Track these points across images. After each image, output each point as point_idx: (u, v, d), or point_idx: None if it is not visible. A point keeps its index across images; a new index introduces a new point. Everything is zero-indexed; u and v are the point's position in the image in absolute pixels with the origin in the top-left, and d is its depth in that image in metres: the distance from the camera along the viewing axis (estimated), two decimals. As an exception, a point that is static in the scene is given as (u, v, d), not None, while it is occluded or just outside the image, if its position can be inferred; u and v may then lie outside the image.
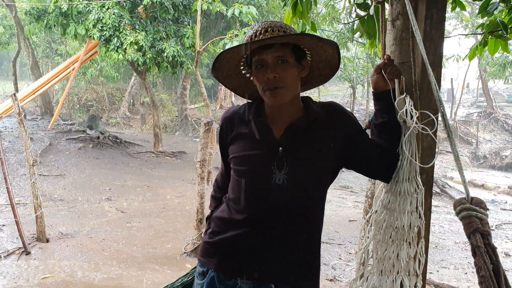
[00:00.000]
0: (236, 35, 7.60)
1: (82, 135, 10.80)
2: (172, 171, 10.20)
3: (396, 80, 1.54)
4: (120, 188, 8.04)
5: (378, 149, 1.53)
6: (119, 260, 4.70)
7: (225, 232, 1.58)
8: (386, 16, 1.74)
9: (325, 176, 1.54)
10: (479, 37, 3.00)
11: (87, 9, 8.81)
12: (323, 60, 1.53)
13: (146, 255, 4.90)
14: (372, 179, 4.74)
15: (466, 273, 5.34)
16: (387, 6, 1.76)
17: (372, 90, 1.63)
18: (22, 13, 12.49)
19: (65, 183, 7.99)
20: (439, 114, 1.27)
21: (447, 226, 7.54)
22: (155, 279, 4.27)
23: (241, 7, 7.09)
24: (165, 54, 8.92)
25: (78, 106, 20.73)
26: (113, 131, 14.34)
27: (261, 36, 1.44)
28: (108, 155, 10.26)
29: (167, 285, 2.09)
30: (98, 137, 10.75)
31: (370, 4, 2.78)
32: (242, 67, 1.57)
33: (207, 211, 5.21)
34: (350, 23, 3.55)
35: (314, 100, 1.61)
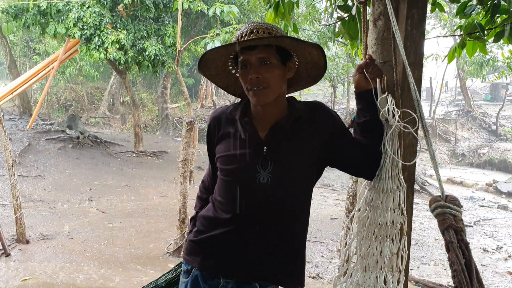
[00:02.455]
0: (218, 34, 7.60)
1: (62, 135, 10.64)
2: (153, 171, 10.14)
3: (377, 80, 1.56)
4: (101, 188, 7.96)
5: (361, 147, 1.56)
6: (101, 261, 4.66)
7: (210, 230, 1.59)
8: (368, 17, 1.77)
9: (309, 174, 1.56)
10: (457, 38, 3.06)
11: (67, 7, 8.67)
12: (309, 61, 1.55)
13: (128, 256, 4.87)
14: (355, 177, 4.81)
15: (446, 269, 5.44)
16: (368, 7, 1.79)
17: (354, 89, 1.65)
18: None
19: (45, 184, 7.86)
20: (417, 115, 1.30)
21: (427, 223, 7.68)
22: (138, 280, 4.25)
23: (223, 6, 7.08)
24: (147, 53, 8.85)
25: (57, 105, 20.41)
26: (93, 131, 14.16)
27: (246, 37, 1.46)
28: (88, 155, 10.13)
29: (151, 282, 2.10)
30: (78, 137, 10.60)
31: (351, 6, 2.82)
32: (230, 67, 1.58)
33: (190, 211, 5.20)
34: (332, 25, 3.57)
35: (297, 99, 1.63)
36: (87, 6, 8.58)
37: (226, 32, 7.36)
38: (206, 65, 1.57)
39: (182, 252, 1.74)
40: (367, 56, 1.62)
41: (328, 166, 1.64)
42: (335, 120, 1.57)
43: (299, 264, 1.59)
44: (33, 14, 9.07)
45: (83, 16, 8.53)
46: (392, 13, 1.43)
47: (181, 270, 1.95)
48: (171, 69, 9.77)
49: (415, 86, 1.32)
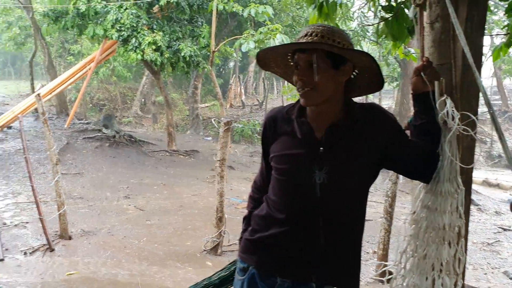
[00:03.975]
0: (252, 35, 7.66)
1: (98, 134, 10.92)
2: (186, 169, 10.27)
3: (436, 82, 1.56)
4: (137, 186, 8.13)
5: (418, 150, 1.56)
6: (141, 257, 4.76)
7: (266, 230, 1.62)
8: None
9: (365, 176, 1.57)
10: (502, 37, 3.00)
11: (105, 9, 8.89)
12: (364, 66, 1.55)
13: (167, 253, 4.96)
14: (394, 179, 4.77)
15: (485, 274, 5.33)
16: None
17: (411, 92, 1.65)
18: (38, 14, 12.67)
19: (84, 182, 8.08)
20: (489, 116, 1.29)
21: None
22: (177, 277, 4.33)
23: (257, 6, 7.13)
24: (182, 54, 8.98)
25: (90, 105, 20.89)
26: (126, 130, 14.45)
27: (301, 39, 1.51)
28: (124, 154, 10.36)
29: (205, 279, 2.15)
30: (114, 136, 10.85)
31: (394, 6, 2.81)
32: (290, 60, 1.61)
33: (226, 210, 5.24)
34: (373, 25, 3.56)
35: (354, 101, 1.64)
36: (124, 8, 8.77)
37: (261, 33, 7.42)
38: (264, 63, 1.64)
39: (238, 250, 1.77)
40: (424, 59, 1.62)
41: (385, 168, 1.65)
42: (392, 122, 1.57)
43: (355, 266, 1.61)
44: (72, 17, 9.35)
45: (121, 18, 8.72)
46: (455, 16, 1.43)
47: (234, 268, 2.00)
48: (205, 69, 9.90)
49: (484, 88, 1.31)
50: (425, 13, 1.75)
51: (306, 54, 1.47)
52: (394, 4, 2.84)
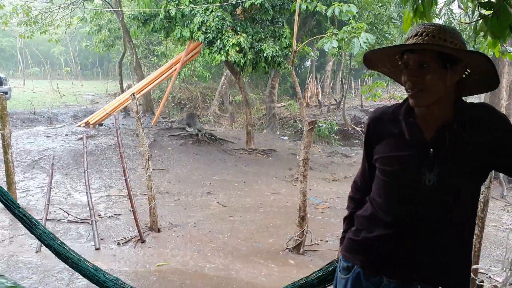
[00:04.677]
0: (335, 34, 7.59)
1: (182, 132, 11.42)
2: (264, 168, 10.41)
3: None
4: (219, 183, 8.38)
5: None
6: (225, 252, 4.90)
7: (371, 231, 1.63)
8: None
9: (475, 177, 1.53)
10: None
11: (191, 12, 9.26)
12: (478, 66, 1.50)
13: (250, 249, 5.07)
14: (487, 183, 4.51)
15: None
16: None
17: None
18: (127, 17, 13.48)
19: (170, 177, 8.49)
20: None
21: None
22: (261, 272, 4.41)
23: (341, 5, 7.06)
24: (265, 55, 9.13)
25: (172, 104, 21.87)
26: (206, 128, 14.94)
27: (411, 39, 1.50)
28: (206, 151, 10.73)
29: (302, 278, 2.19)
30: (197, 134, 11.28)
31: (495, 3, 2.67)
32: (398, 58, 1.60)
33: (309, 209, 5.23)
34: (472, 23, 3.40)
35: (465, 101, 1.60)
36: (210, 10, 9.08)
37: (344, 31, 7.33)
38: (370, 62, 1.65)
39: (341, 249, 1.78)
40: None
41: (495, 170, 1.59)
42: (505, 123, 1.51)
43: (465, 268, 1.57)
44: (160, 20, 9.84)
45: (207, 20, 9.04)
46: None
47: (331, 269, 2.03)
48: (287, 69, 9.98)
49: None
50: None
51: (417, 54, 1.46)
52: (494, 0, 2.71)
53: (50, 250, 2.66)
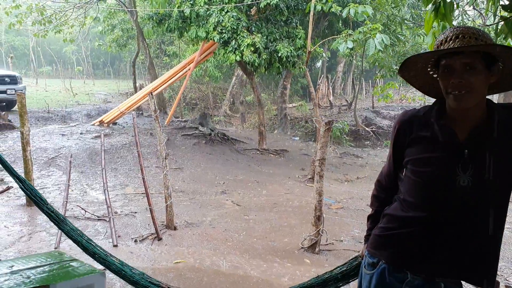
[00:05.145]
0: (350, 35, 7.61)
1: (196, 132, 11.49)
2: (277, 168, 10.44)
3: None
4: (232, 183, 8.43)
5: None
6: (241, 251, 4.94)
7: (399, 228, 1.66)
8: None
9: (509, 179, 1.55)
10: None
11: (207, 12, 9.33)
12: (510, 65, 1.53)
13: (266, 248, 5.10)
14: None
15: None
16: None
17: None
18: (140, 17, 13.59)
19: (184, 176, 8.55)
20: None
21: None
22: (277, 271, 4.45)
23: (357, 6, 7.07)
24: (279, 55, 9.17)
25: (184, 104, 21.98)
26: (218, 128, 15.02)
27: (451, 42, 1.50)
28: (219, 151, 10.79)
29: (326, 272, 2.23)
30: (210, 134, 11.35)
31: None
32: (429, 68, 1.63)
33: (323, 209, 5.23)
34: (494, 24, 3.42)
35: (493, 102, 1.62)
36: (225, 11, 9.14)
37: (360, 32, 7.35)
38: (407, 68, 1.64)
39: (366, 246, 1.82)
40: None
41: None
42: None
43: (491, 265, 1.59)
44: (175, 20, 9.92)
45: (222, 20, 9.10)
46: None
47: (355, 264, 2.06)
48: (301, 70, 10.02)
49: None
50: None
51: (464, 57, 1.46)
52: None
53: (78, 245, 2.73)
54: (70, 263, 0.72)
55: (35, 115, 14.11)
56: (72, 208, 5.95)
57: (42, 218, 5.66)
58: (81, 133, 10.91)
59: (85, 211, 5.81)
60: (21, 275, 0.76)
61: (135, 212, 6.16)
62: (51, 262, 0.73)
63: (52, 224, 5.41)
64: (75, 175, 7.84)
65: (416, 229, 1.61)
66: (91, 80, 29.07)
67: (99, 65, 38.25)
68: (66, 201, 5.60)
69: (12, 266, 0.78)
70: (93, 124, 12.29)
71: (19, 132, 5.85)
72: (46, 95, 19.62)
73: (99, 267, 2.92)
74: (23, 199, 6.13)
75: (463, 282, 1.62)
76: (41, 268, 0.76)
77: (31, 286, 0.72)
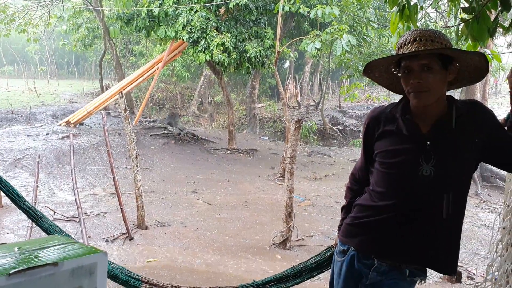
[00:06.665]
0: (318, 35, 7.76)
1: (165, 132, 11.43)
2: (247, 167, 10.52)
3: None
4: (203, 182, 8.45)
5: None
6: (214, 248, 5.00)
7: (368, 217, 1.77)
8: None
9: (468, 169, 1.68)
10: None
11: (176, 12, 9.29)
12: (470, 64, 1.65)
13: (238, 245, 5.17)
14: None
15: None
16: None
17: (510, 90, 1.74)
18: (106, 16, 13.36)
19: (153, 176, 8.51)
20: None
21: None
22: (249, 267, 4.52)
23: (324, 8, 7.23)
24: (248, 55, 9.24)
25: (151, 104, 21.74)
26: (186, 128, 14.96)
27: (409, 45, 1.62)
28: (189, 150, 10.77)
29: (301, 263, 2.32)
30: (179, 134, 11.32)
31: (476, 8, 2.85)
32: (393, 69, 1.75)
33: (294, 206, 5.34)
34: (454, 26, 3.59)
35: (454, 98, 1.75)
36: (195, 10, 9.14)
37: (327, 33, 7.52)
38: (371, 70, 1.77)
39: (338, 235, 1.92)
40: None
41: (484, 162, 1.75)
42: (493, 119, 1.66)
43: (454, 252, 1.71)
44: (143, 19, 9.84)
45: (191, 20, 9.09)
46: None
47: (329, 254, 2.16)
48: (270, 69, 10.12)
49: None
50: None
51: (420, 59, 1.58)
52: (475, 6, 2.88)
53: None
54: (73, 245, 0.76)
55: (-3, 116, 13.70)
56: (40, 209, 5.81)
57: (9, 220, 5.55)
58: (47, 134, 10.67)
59: (54, 212, 5.72)
60: (29, 255, 0.80)
61: (105, 213, 6.12)
62: (56, 244, 0.77)
63: (20, 225, 5.37)
64: (42, 176, 7.68)
65: (384, 217, 1.71)
66: (55, 80, 28.31)
67: (63, 65, 37.28)
68: (35, 202, 5.48)
69: (20, 247, 0.81)
70: (60, 125, 12.04)
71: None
72: (9, 95, 19.03)
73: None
74: (-12, 202, 5.98)
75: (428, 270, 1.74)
76: (47, 249, 0.80)
77: (42, 263, 0.76)
